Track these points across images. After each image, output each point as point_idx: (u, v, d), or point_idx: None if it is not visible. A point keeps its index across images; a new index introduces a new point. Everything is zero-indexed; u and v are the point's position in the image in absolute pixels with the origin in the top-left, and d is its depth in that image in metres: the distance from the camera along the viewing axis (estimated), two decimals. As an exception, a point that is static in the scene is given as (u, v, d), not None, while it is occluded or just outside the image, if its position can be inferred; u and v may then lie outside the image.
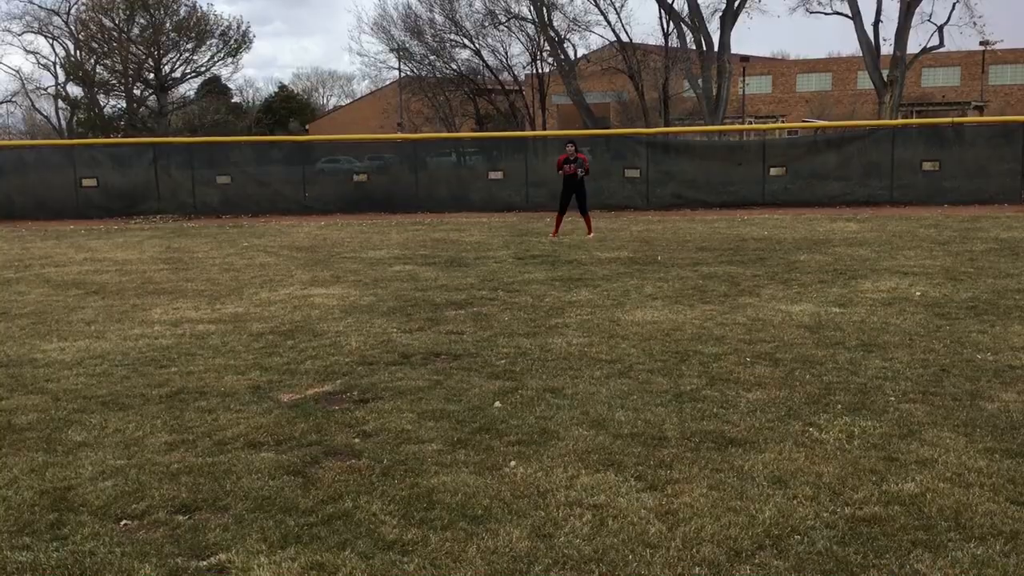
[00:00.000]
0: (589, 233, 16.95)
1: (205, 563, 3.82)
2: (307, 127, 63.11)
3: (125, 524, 4.23)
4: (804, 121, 49.18)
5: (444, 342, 7.91)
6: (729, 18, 37.33)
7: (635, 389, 6.28)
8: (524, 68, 47.73)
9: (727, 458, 4.89)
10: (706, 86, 37.62)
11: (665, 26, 39.56)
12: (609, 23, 41.09)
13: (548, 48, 42.26)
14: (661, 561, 3.73)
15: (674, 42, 39.65)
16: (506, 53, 45.98)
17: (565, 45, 41.65)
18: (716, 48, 37.53)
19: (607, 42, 43.11)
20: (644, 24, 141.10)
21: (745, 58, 50.27)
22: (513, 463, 4.86)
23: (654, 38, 49.91)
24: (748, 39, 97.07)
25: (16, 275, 12.83)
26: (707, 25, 37.91)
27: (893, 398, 5.97)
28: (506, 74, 46.89)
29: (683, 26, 38.45)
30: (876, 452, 4.95)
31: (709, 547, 3.84)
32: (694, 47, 38.73)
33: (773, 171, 23.97)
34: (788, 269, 11.88)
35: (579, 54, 44.35)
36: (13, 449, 5.30)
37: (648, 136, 26.68)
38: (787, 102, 65.55)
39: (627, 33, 41.69)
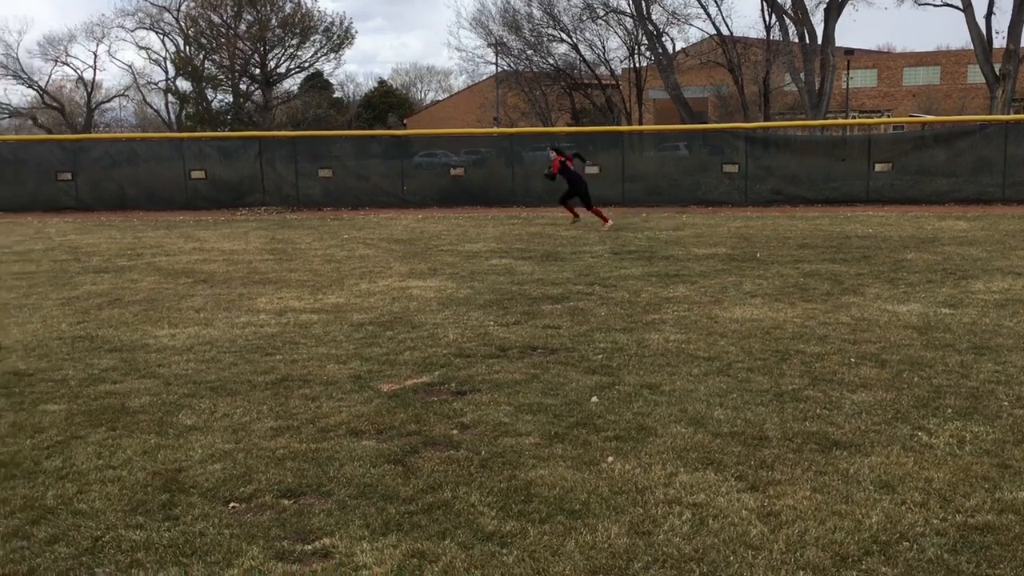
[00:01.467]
0: (575, 220, 18.28)
1: (310, 547, 3.91)
2: (405, 122, 63.96)
3: (233, 506, 4.36)
4: (911, 116, 47.64)
5: (541, 336, 7.93)
6: (834, 10, 36.36)
7: (734, 387, 6.19)
8: (621, 62, 47.46)
9: (831, 460, 4.78)
10: (808, 80, 36.74)
11: (767, 18, 38.78)
12: (709, 16, 40.50)
13: (646, 42, 41.86)
14: (763, 563, 3.67)
15: (776, 35, 38.81)
16: (603, 47, 45.83)
17: (663, 39, 41.22)
18: (819, 41, 36.61)
19: (707, 35, 42.50)
20: (745, 17, 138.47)
21: (849, 51, 48.93)
22: (611, 459, 4.85)
23: (755, 31, 49.02)
24: (853, 31, 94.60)
25: (129, 263, 13.35)
26: (811, 17, 37.02)
27: (1007, 403, 5.75)
28: (603, 68, 46.72)
29: (786, 18, 37.61)
30: (989, 458, 4.77)
31: (813, 551, 3.76)
32: (796, 40, 37.87)
33: (878, 167, 23.28)
34: (894, 268, 11.53)
35: (677, 48, 43.89)
36: (127, 431, 5.52)
37: (747, 130, 26.20)
38: (893, 96, 63.54)
39: (727, 26, 41.14)
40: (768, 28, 39.23)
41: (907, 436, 5.15)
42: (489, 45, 47.03)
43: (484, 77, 53.53)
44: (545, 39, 45.46)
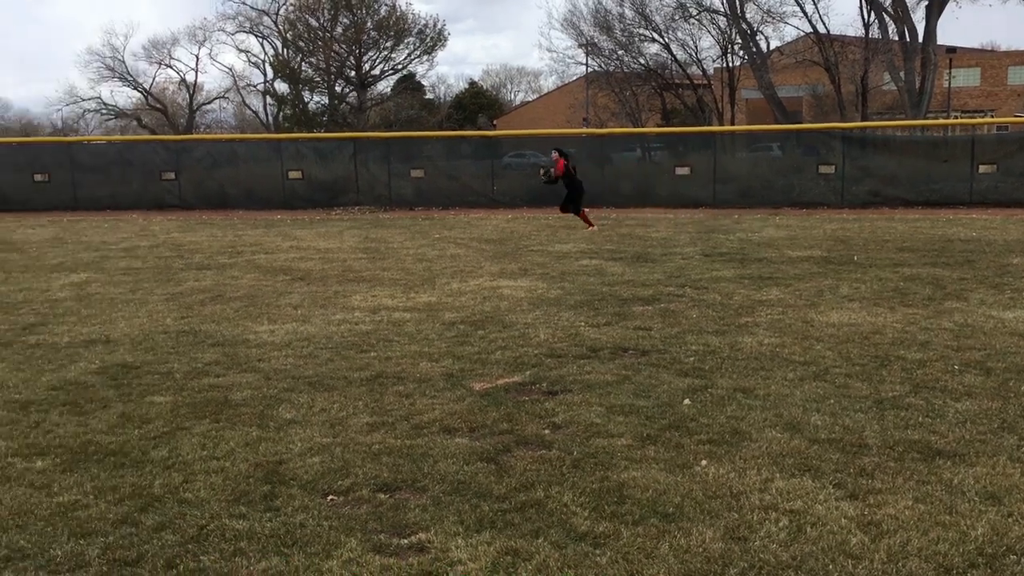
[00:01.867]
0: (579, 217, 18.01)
1: (406, 541, 3.98)
2: (495, 122, 64.33)
3: (331, 499, 4.47)
4: (1016, 116, 45.84)
5: (632, 337, 7.90)
6: (936, 7, 35.21)
7: (832, 393, 6.06)
8: (714, 62, 46.86)
9: (934, 470, 4.64)
10: (908, 79, 35.66)
11: (866, 16, 37.75)
12: (806, 14, 39.64)
13: (740, 41, 41.23)
14: (864, 573, 3.59)
15: (875, 32, 37.77)
16: (696, 47, 45.30)
17: (757, 37, 40.52)
18: (920, 39, 35.50)
19: (803, 33, 41.64)
20: (843, 15, 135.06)
21: (952, 49, 47.30)
22: (704, 462, 4.80)
23: (853, 28, 47.74)
24: (955, 29, 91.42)
25: (230, 260, 13.75)
26: (911, 15, 35.92)
27: (1123, 416, 5.49)
28: (695, 68, 46.19)
29: (885, 16, 36.58)
30: (1104, 473, 4.58)
31: (916, 562, 3.66)
32: (896, 38, 36.80)
33: (982, 168, 22.49)
34: (1000, 273, 11.13)
35: (772, 46, 43.10)
36: (230, 423, 5.70)
37: (844, 130, 25.59)
38: (997, 96, 61.20)
39: (824, 24, 40.10)
40: (867, 26, 38.21)
41: (1014, 447, 4.98)
42: (580, 46, 46.95)
43: (574, 78, 53.50)
44: (636, 39, 45.18)
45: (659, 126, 43.77)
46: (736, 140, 29.15)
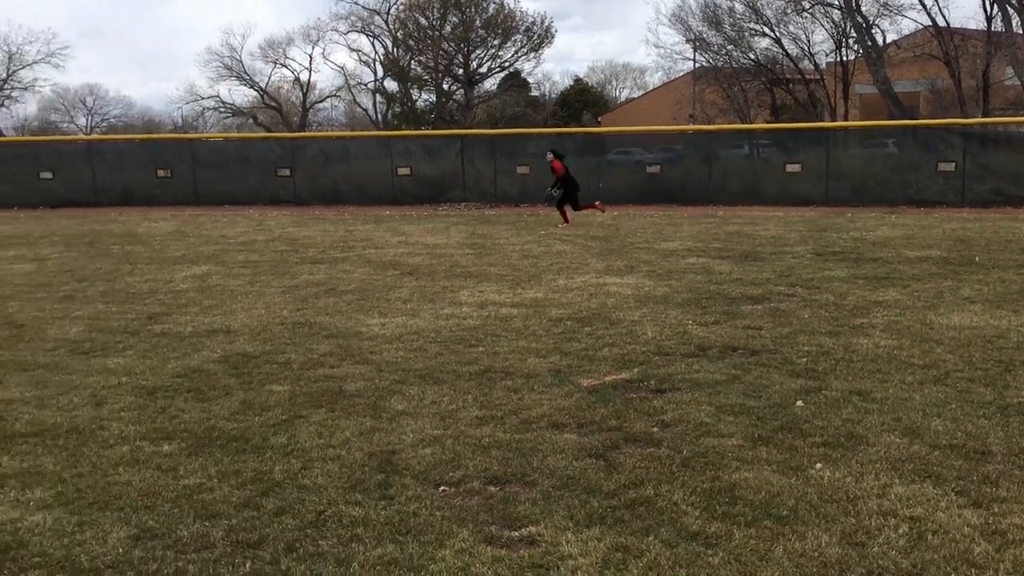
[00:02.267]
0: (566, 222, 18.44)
1: (516, 534, 4.03)
2: (599, 119, 64.10)
3: (443, 490, 4.55)
4: None
5: (741, 336, 7.78)
6: (1066, -3, 33.51)
7: (953, 398, 5.86)
8: (827, 56, 45.62)
9: (1064, 481, 4.45)
10: (1035, 72, 34.04)
11: (988, 9, 36.19)
12: (924, 6, 38.20)
13: (854, 34, 40.03)
14: (988, 584, 3.48)
15: (998, 26, 36.18)
16: (808, 41, 44.20)
17: (873, 31, 39.29)
18: (1049, 31, 33.83)
19: (921, 27, 40.16)
20: (963, 7, 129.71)
21: (1084, 40, 44.89)
22: (819, 465, 4.71)
23: (975, 22, 46.00)
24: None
25: (342, 255, 14.08)
26: (1039, 5, 34.25)
27: None
28: (806, 62, 45.08)
29: (1009, 8, 34.99)
30: None
31: (1045, 575, 3.53)
32: (1021, 31, 35.17)
33: (1116, 166, 21.32)
34: None
35: (888, 40, 41.70)
36: (344, 413, 5.85)
37: (965, 127, 24.62)
38: None
39: (944, 17, 38.77)
40: (989, 19, 36.62)
41: None
42: (688, 41, 46.33)
43: (681, 73, 52.87)
44: (746, 33, 44.32)
45: (768, 122, 42.88)
46: (850, 136, 28.31)
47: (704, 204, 23.39)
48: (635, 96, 79.23)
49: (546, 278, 11.29)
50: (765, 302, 9.39)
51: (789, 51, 44.16)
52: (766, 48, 44.68)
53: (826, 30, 43.89)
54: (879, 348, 7.24)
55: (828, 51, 45.18)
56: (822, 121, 40.13)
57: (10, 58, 47.27)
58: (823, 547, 3.80)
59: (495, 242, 15.65)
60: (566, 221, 18.68)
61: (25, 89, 49.93)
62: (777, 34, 43.56)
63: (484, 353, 7.39)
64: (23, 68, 47.91)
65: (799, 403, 5.80)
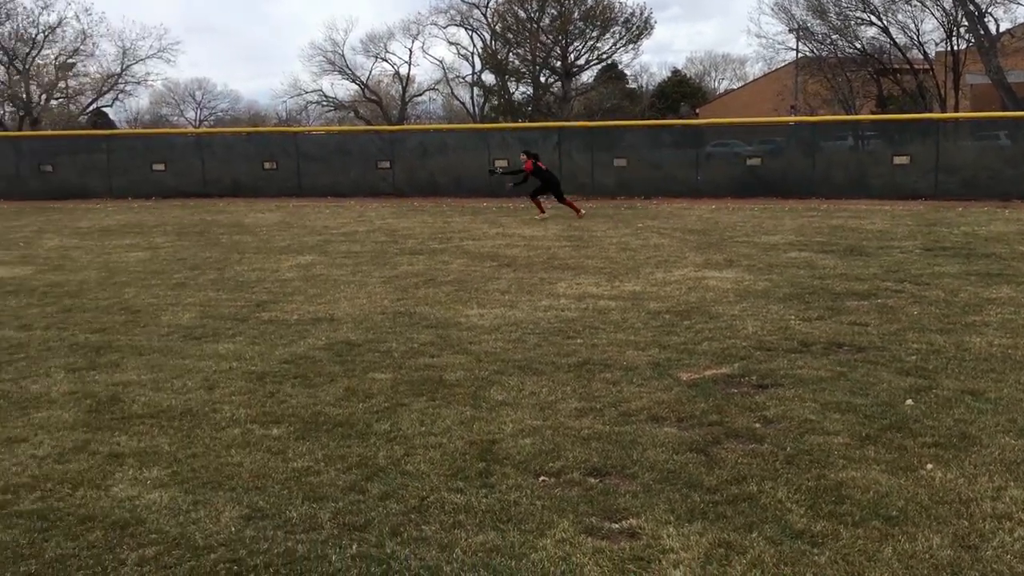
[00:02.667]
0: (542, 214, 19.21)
1: (617, 526, 4.03)
2: (697, 111, 63.22)
3: (543, 480, 4.58)
4: None
5: (846, 333, 7.60)
6: None
7: (1074, 400, 5.62)
8: (936, 45, 44.00)
9: None
10: None
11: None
12: (1043, -8, 36.51)
13: (966, 23, 38.51)
14: (1113, 594, 3.33)
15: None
16: (917, 30, 42.70)
17: (986, 19, 37.71)
18: None
19: (1039, 13, 38.36)
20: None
21: None
22: (930, 466, 4.58)
23: (1099, 5, 43.53)
24: None
25: (440, 246, 14.25)
26: None
27: None
28: (915, 52, 43.58)
29: None
30: None
31: None
32: None
33: None
34: None
35: (1002, 28, 39.98)
36: (445, 402, 5.94)
37: (1087, 117, 23.44)
38: None
39: (1066, 2, 36.81)
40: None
41: None
42: (791, 30, 45.34)
43: (782, 64, 51.70)
44: (852, 22, 43.09)
45: (874, 113, 41.66)
46: (960, 128, 27.27)
47: (806, 197, 22.85)
48: (734, 87, 77.89)
49: (644, 271, 11.21)
50: (872, 298, 9.14)
51: (897, 40, 42.78)
52: (873, 37, 43.38)
53: (936, 18, 42.30)
54: (993, 347, 6.98)
55: (938, 40, 43.55)
56: (931, 112, 38.77)
57: (124, 53, 49.08)
58: (934, 549, 3.69)
59: (592, 234, 15.61)
60: (541, 211, 19.44)
61: (138, 83, 51.74)
62: (884, 22, 42.24)
63: (582, 345, 7.40)
64: (136, 63, 49.72)
65: (908, 402, 5.64)
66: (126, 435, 5.43)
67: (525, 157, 19.75)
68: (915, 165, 23.12)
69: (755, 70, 74.84)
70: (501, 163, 24.13)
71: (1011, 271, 10.60)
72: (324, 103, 62.22)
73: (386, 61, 69.08)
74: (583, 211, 19.34)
